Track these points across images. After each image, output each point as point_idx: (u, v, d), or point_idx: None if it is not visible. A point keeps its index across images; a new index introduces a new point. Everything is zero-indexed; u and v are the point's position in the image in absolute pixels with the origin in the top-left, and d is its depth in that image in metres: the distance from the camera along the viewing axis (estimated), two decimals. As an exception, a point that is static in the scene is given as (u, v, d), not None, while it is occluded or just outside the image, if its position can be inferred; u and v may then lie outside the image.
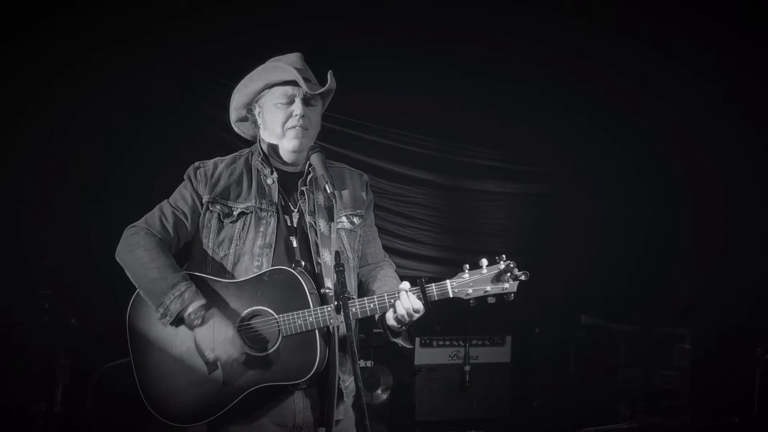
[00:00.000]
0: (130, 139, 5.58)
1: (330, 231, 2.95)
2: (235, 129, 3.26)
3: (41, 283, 5.01)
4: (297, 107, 3.01)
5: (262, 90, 3.07)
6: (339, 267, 2.73)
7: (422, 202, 6.91)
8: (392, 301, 2.85)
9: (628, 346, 6.55)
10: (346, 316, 2.67)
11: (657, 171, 6.96)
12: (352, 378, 3.02)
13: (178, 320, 2.90)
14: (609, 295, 6.82)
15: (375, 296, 2.89)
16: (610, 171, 7.17)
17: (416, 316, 2.85)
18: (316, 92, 3.02)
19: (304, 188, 3.06)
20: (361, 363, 5.58)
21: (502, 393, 6.24)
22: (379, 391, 5.79)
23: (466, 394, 6.09)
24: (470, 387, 6.09)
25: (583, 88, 6.67)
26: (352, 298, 2.94)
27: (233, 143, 4.97)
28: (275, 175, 3.08)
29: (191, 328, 2.90)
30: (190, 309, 2.88)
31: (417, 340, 5.99)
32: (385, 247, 3.35)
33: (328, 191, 2.83)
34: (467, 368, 6.09)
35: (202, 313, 2.88)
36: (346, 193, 3.15)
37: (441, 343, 6.11)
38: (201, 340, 2.90)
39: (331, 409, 2.84)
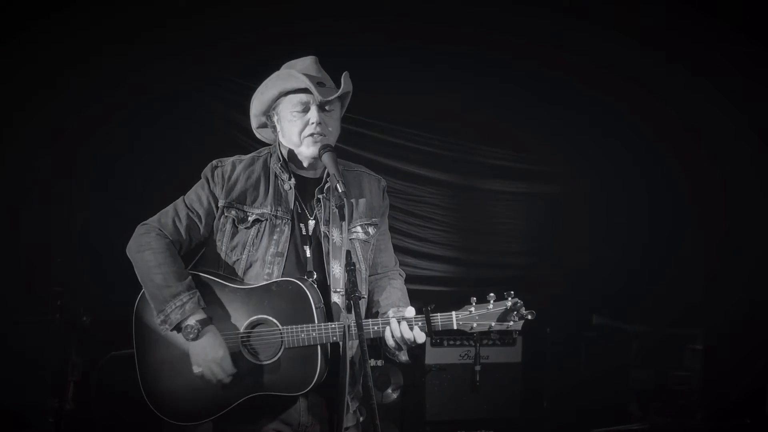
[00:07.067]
0: (142, 138, 5.60)
1: (342, 239, 2.91)
2: (257, 135, 3.23)
3: (54, 281, 5.05)
4: (313, 115, 2.96)
5: (278, 98, 3.02)
6: (350, 266, 2.72)
7: (434, 201, 6.89)
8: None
9: (639, 347, 6.53)
10: (357, 315, 2.66)
11: (658, 170, 6.96)
12: (357, 404, 3.05)
13: (178, 328, 2.91)
14: (620, 295, 6.79)
15: (380, 320, 2.88)
16: (615, 170, 7.15)
17: (413, 345, 2.85)
18: (329, 98, 2.96)
19: (320, 196, 3.04)
20: (372, 362, 5.58)
21: (513, 393, 6.21)
22: (389, 391, 5.79)
23: (476, 393, 6.05)
24: (481, 387, 6.05)
25: (591, 89, 6.67)
26: (363, 297, 2.95)
27: (246, 142, 4.99)
28: (293, 180, 3.05)
29: (187, 339, 2.91)
30: (189, 321, 2.88)
31: (427, 339, 5.98)
32: (396, 246, 3.33)
33: (340, 190, 2.79)
34: (478, 368, 6.05)
35: (199, 328, 2.88)
36: (362, 201, 3.12)
37: (451, 342, 6.09)
38: (192, 353, 2.91)
39: (342, 411, 2.84)
